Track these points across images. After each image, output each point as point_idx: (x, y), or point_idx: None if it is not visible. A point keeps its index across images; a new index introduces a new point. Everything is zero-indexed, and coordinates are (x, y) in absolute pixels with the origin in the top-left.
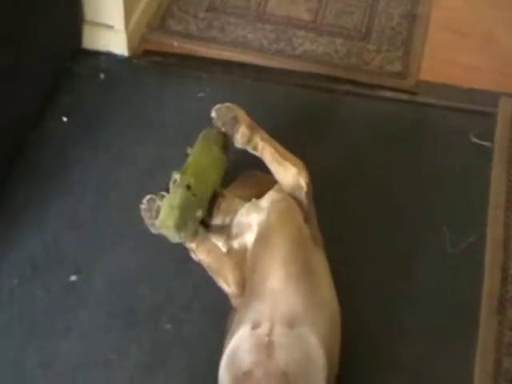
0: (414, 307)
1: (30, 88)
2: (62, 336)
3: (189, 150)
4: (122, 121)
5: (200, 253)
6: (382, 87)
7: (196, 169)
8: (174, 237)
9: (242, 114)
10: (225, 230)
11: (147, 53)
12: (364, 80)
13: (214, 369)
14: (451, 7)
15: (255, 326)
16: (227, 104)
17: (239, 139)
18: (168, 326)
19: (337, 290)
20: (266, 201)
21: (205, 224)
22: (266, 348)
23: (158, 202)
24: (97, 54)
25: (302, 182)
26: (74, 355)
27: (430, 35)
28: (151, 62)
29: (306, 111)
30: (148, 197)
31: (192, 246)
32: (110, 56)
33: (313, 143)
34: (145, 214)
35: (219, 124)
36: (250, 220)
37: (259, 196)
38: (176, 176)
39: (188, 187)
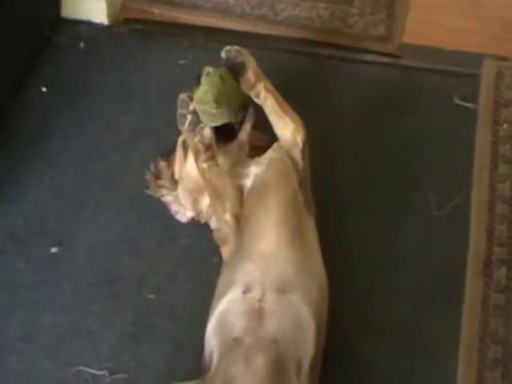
0: (400, 270)
1: (8, 58)
2: (44, 308)
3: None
4: (104, 89)
5: (211, 173)
6: (366, 51)
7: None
8: (211, 112)
9: (250, 60)
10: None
11: (128, 21)
12: (347, 44)
13: (200, 338)
14: None
15: (246, 290)
16: (237, 47)
17: (243, 84)
18: (152, 296)
19: (323, 254)
20: (264, 158)
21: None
22: (258, 314)
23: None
24: (77, 23)
25: (299, 139)
26: (56, 328)
27: None
28: (132, 29)
29: (289, 76)
30: (181, 96)
31: (205, 165)
32: (90, 24)
33: (296, 108)
34: (181, 104)
35: (228, 65)
36: (249, 171)
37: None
38: (209, 69)
39: (221, 78)
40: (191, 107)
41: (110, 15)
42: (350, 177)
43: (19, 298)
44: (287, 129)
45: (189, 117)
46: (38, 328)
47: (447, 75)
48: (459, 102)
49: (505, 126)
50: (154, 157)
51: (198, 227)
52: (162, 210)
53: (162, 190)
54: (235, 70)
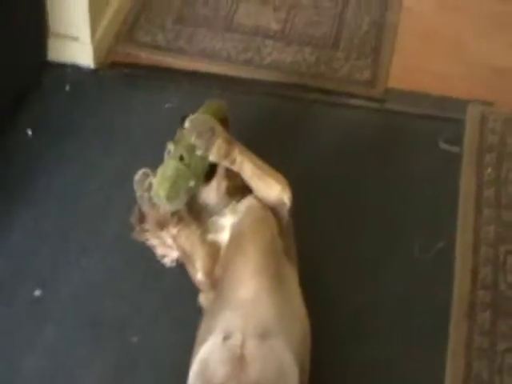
0: (383, 313)
1: None
2: (24, 352)
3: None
4: (88, 132)
5: (179, 237)
6: (351, 95)
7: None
8: (165, 206)
9: (218, 126)
10: (202, 221)
11: (114, 64)
12: (332, 88)
13: (182, 381)
14: (419, 15)
15: (227, 337)
16: (203, 115)
17: (215, 153)
18: (134, 339)
19: (305, 298)
20: (242, 205)
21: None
22: (239, 360)
23: (151, 178)
24: (63, 66)
25: (286, 199)
26: (37, 372)
27: (399, 43)
28: (118, 73)
29: (275, 120)
30: (142, 170)
31: (174, 231)
32: (76, 68)
33: (281, 153)
34: (137, 186)
35: (194, 136)
36: (225, 221)
37: None
38: (170, 147)
39: (181, 158)
40: (146, 184)
41: (96, 59)
42: (333, 221)
43: (0, 343)
44: (272, 191)
45: (146, 195)
46: (19, 372)
47: (432, 120)
48: (444, 146)
49: (489, 170)
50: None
51: (183, 270)
52: (147, 253)
53: (146, 234)
54: (202, 140)
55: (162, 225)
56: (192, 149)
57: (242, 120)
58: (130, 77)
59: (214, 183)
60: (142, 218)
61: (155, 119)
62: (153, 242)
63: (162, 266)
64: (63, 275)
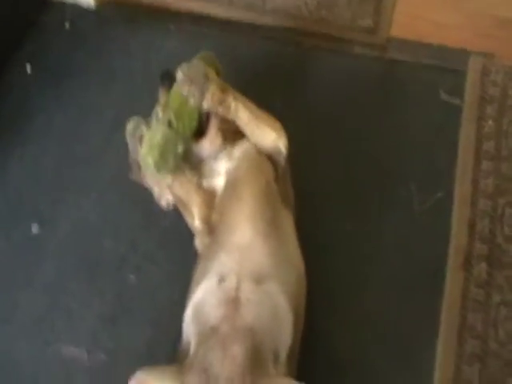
0: (381, 262)
1: None
2: (23, 288)
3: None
4: (88, 72)
5: (174, 186)
6: (352, 42)
7: (180, 101)
8: (154, 172)
9: (211, 73)
10: (198, 167)
11: (115, 4)
12: (334, 34)
13: (179, 319)
14: None
15: (222, 280)
16: (196, 61)
17: (210, 99)
18: (131, 277)
19: (304, 245)
20: (237, 151)
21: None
22: (233, 303)
23: (142, 127)
24: (62, 5)
25: (282, 146)
26: (35, 308)
27: None
28: (118, 13)
29: (274, 65)
30: (135, 118)
31: (168, 180)
32: (76, 7)
33: (280, 98)
34: (129, 136)
35: (186, 84)
36: (220, 167)
37: None
38: (157, 110)
39: (169, 123)
40: (138, 135)
41: None
42: (332, 171)
43: None
44: (267, 138)
45: (138, 145)
46: (17, 307)
47: (433, 70)
48: (445, 97)
49: (489, 122)
50: None
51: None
52: (144, 193)
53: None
54: (196, 87)
55: None
56: (180, 110)
57: (242, 63)
58: (131, 17)
59: (207, 138)
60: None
61: (155, 60)
62: (150, 183)
63: (160, 207)
64: (61, 213)
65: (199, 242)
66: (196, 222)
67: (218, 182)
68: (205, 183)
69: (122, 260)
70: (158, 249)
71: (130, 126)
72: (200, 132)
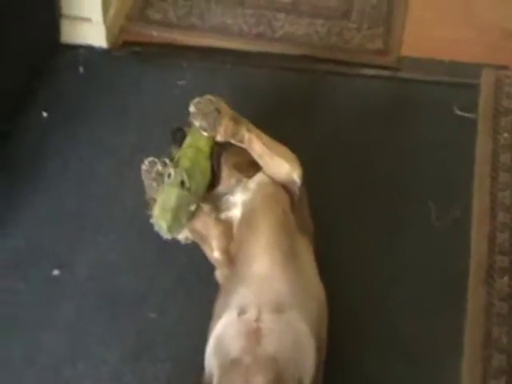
0: (400, 281)
1: (8, 83)
2: (44, 329)
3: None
4: (102, 112)
5: (192, 221)
6: (364, 65)
7: (192, 158)
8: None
9: (223, 106)
10: (215, 201)
11: (126, 44)
12: (345, 59)
13: (200, 355)
14: None
15: (242, 312)
16: (207, 96)
17: (223, 133)
18: (152, 315)
19: (321, 269)
20: (253, 182)
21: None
22: (255, 334)
23: (158, 165)
24: (76, 48)
25: (296, 177)
26: (58, 349)
27: (411, 11)
28: (130, 52)
29: (288, 93)
30: (150, 159)
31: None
32: (88, 49)
33: (295, 125)
34: (144, 175)
35: (199, 118)
36: (236, 199)
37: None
38: (170, 170)
39: (182, 184)
40: (153, 174)
41: (108, 39)
42: (349, 190)
43: (20, 320)
44: (282, 169)
45: (154, 184)
46: (39, 349)
47: (446, 86)
48: (459, 112)
49: (505, 134)
50: None
51: (198, 246)
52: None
53: None
54: (209, 122)
55: None
56: (193, 168)
57: (255, 94)
58: (143, 55)
59: (222, 183)
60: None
61: (168, 96)
62: None
63: (177, 242)
64: (80, 255)
65: (220, 274)
66: (215, 254)
67: (235, 213)
68: (222, 216)
69: (142, 298)
70: (177, 285)
71: (144, 167)
72: (213, 177)
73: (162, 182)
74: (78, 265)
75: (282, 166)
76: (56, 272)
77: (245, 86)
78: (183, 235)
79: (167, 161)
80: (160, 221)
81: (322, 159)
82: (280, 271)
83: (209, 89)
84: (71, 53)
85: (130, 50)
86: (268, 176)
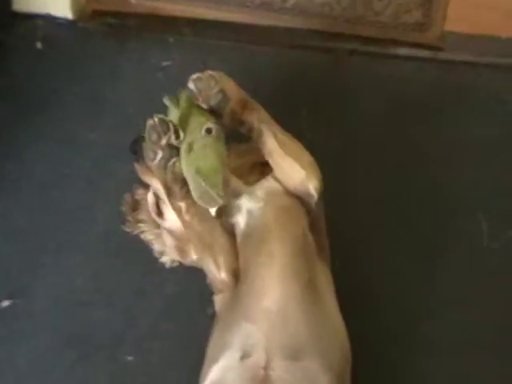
0: (444, 317)
1: None
2: None
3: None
4: (67, 101)
5: (191, 216)
6: (398, 43)
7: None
8: (211, 196)
9: (230, 86)
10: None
11: (97, 14)
12: (374, 35)
13: None
14: None
15: (246, 355)
16: (210, 72)
17: (228, 119)
18: (129, 358)
19: (345, 299)
20: (261, 189)
21: None
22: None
23: (171, 131)
24: (32, 18)
25: (312, 189)
26: None
27: None
28: (103, 24)
29: (301, 78)
30: (159, 116)
31: (181, 205)
32: (48, 20)
33: (310, 118)
34: (150, 135)
35: (200, 100)
36: (240, 203)
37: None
38: (210, 124)
39: (208, 131)
40: (163, 141)
41: (74, 7)
42: (378, 200)
43: None
44: (295, 175)
45: (160, 152)
46: None
47: (500, 70)
48: None
49: None
50: (130, 184)
51: (188, 270)
52: (143, 251)
53: (142, 225)
54: (212, 105)
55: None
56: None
57: (260, 78)
58: (118, 29)
59: None
60: (135, 206)
61: (151, 81)
62: (148, 236)
63: (162, 266)
64: (38, 280)
65: (221, 301)
66: (222, 275)
67: (238, 219)
68: (223, 221)
69: (116, 336)
70: (161, 321)
71: (153, 122)
72: None
73: (170, 157)
74: (35, 294)
75: (295, 171)
76: (6, 303)
77: (246, 68)
78: (169, 257)
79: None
80: (214, 170)
81: (342, 160)
82: (297, 307)
83: (202, 71)
84: (26, 24)
85: (101, 22)
86: (279, 184)
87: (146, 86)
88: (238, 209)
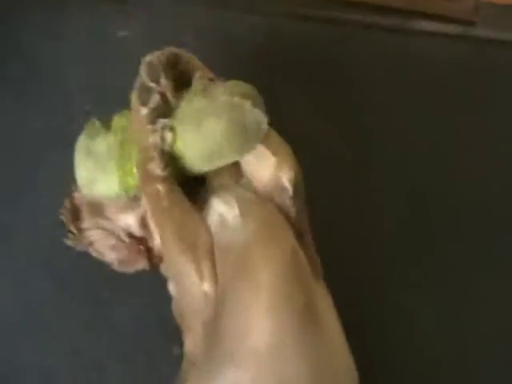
0: (485, 354)
1: None
2: None
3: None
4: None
5: (169, 202)
6: (422, 15)
7: None
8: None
9: (195, 64)
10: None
11: None
12: (396, 5)
13: None
14: None
15: None
16: (168, 49)
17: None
18: None
19: (358, 338)
20: (229, 192)
21: None
22: None
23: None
24: None
25: (285, 180)
26: None
27: None
28: None
29: (300, 55)
30: (150, 58)
31: (159, 186)
32: None
33: (311, 105)
34: (147, 73)
35: (154, 86)
36: (212, 201)
37: None
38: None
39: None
40: (163, 80)
41: None
42: (400, 211)
43: None
44: (265, 164)
45: (156, 96)
46: None
47: None
48: None
49: None
50: (67, 185)
51: (146, 289)
52: (86, 267)
53: (88, 233)
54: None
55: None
56: None
57: (246, 56)
58: None
59: None
60: (76, 213)
61: (103, 55)
62: (98, 244)
63: (114, 285)
64: None
65: (193, 340)
66: (205, 286)
67: (210, 222)
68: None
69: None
70: (111, 362)
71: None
72: None
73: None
74: None
75: (265, 158)
76: None
77: (228, 43)
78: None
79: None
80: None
81: (350, 163)
82: (293, 344)
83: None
84: None
85: None
86: (252, 189)
87: (97, 61)
88: (210, 208)
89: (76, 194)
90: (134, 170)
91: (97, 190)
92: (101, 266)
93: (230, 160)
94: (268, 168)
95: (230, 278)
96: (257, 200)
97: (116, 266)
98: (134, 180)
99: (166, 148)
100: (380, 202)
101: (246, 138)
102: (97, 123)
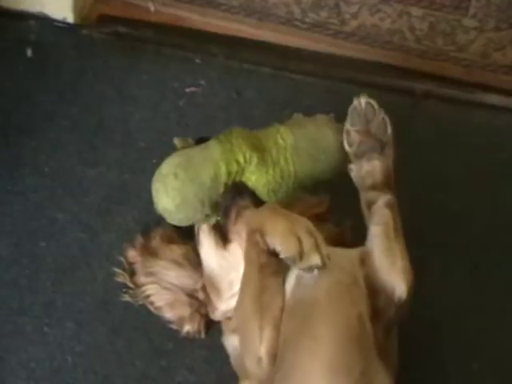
0: None
1: None
2: None
3: None
4: (62, 128)
5: (261, 263)
6: (486, 87)
7: None
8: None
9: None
10: None
11: (105, 19)
12: (456, 75)
13: None
14: None
15: None
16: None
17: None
18: None
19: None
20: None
21: None
22: None
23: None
24: (23, 18)
25: (404, 289)
26: None
27: None
28: (111, 33)
29: None
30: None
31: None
32: (44, 21)
33: None
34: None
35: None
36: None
37: None
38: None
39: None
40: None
41: (77, 8)
42: (461, 275)
43: None
44: (394, 268)
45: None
46: None
47: None
48: None
49: None
50: (120, 243)
51: (204, 351)
52: (149, 324)
53: (147, 288)
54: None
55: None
56: None
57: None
58: (130, 40)
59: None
60: (132, 268)
61: (170, 112)
62: (156, 300)
63: (172, 343)
64: (15, 353)
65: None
66: (262, 351)
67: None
68: None
69: None
70: None
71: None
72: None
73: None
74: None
75: (396, 263)
76: None
77: (291, 103)
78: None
79: None
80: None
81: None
82: None
83: (235, 102)
84: (16, 26)
85: (109, 30)
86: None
87: (164, 117)
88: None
89: (130, 252)
90: None
91: None
92: None
93: None
94: (396, 270)
95: (293, 334)
96: (353, 261)
97: (170, 324)
98: None
99: None
100: None
101: None
102: None
